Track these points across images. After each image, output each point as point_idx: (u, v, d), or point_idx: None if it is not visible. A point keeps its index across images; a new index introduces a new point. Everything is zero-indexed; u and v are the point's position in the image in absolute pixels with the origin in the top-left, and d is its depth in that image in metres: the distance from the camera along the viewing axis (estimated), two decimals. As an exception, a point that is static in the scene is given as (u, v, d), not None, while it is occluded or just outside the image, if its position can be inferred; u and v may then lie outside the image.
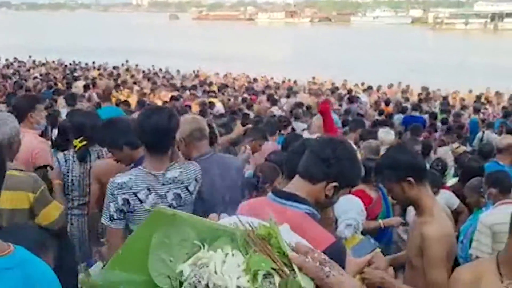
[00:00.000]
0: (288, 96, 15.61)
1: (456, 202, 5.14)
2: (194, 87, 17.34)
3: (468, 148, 9.26)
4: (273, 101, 13.68)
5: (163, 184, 3.05)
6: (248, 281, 0.90)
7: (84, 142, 4.03)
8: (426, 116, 11.98)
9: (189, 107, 11.57)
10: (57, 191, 3.82)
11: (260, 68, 25.89)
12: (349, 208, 3.34)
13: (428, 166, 5.84)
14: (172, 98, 12.53)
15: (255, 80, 22.24)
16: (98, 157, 4.10)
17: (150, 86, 17.12)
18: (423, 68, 28.98)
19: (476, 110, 13.08)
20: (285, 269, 0.92)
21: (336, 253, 2.00)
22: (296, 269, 0.93)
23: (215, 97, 14.69)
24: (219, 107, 12.65)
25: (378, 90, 18.60)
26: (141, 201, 3.00)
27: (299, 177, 2.24)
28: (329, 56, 35.91)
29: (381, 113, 12.56)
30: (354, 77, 21.74)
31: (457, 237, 4.47)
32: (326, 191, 2.17)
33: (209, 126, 4.07)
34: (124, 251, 1.04)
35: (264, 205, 2.22)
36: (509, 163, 5.57)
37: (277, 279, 0.91)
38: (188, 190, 3.15)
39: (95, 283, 1.02)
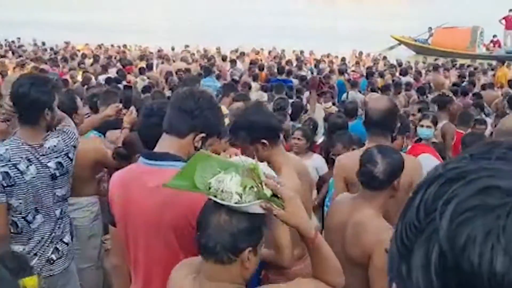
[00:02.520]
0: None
1: (326, 169, 5.16)
2: (64, 59, 16.63)
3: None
4: (142, 71, 13.50)
5: (43, 155, 3.05)
6: (242, 189, 1.76)
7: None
8: (296, 81, 12.47)
9: (66, 80, 11.10)
10: None
11: (135, 37, 25.22)
12: None
13: (300, 125, 6.21)
14: (41, 71, 11.92)
15: (128, 49, 21.70)
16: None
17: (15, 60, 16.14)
18: (295, 33, 29.82)
19: (341, 72, 13.83)
20: (259, 185, 1.77)
21: None
22: (264, 186, 1.77)
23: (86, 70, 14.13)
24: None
25: (257, 54, 18.94)
26: (21, 173, 2.98)
27: (166, 135, 2.23)
28: (205, 24, 35.74)
29: (256, 78, 12.89)
30: (227, 44, 21.86)
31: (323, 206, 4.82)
32: (195, 143, 2.20)
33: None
34: (183, 171, 1.89)
35: (139, 172, 2.23)
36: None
37: (255, 189, 1.76)
38: (69, 157, 3.17)
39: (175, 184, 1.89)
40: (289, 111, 6.60)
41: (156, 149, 2.24)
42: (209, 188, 1.79)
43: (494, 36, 24.81)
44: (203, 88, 2.99)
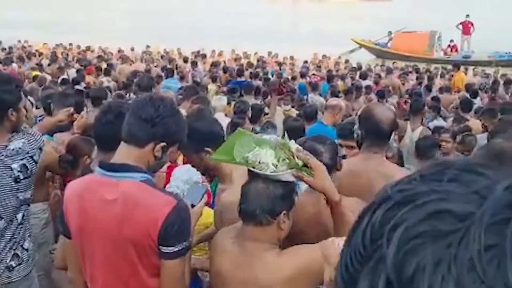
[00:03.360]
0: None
1: None
2: (21, 59, 16.22)
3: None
4: (106, 72, 13.29)
5: (7, 156, 2.94)
6: (277, 161, 2.03)
7: None
8: (260, 83, 12.44)
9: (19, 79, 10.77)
10: None
11: (95, 36, 24.82)
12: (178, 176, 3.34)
13: (259, 128, 6.17)
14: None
15: (88, 49, 21.34)
16: None
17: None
18: (256, 35, 29.89)
19: (303, 75, 13.89)
20: (291, 157, 2.04)
21: (181, 213, 2.06)
22: (296, 158, 2.04)
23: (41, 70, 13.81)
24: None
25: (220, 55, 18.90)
26: None
27: (124, 144, 2.13)
28: (166, 25, 35.44)
29: (215, 79, 12.78)
30: (189, 45, 21.74)
31: None
32: (155, 152, 2.10)
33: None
34: (223, 147, 2.18)
35: (96, 183, 2.13)
36: (332, 123, 6.06)
37: (287, 161, 2.03)
38: (34, 160, 3.07)
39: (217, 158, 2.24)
40: (249, 114, 6.55)
41: (114, 159, 2.14)
42: (247, 161, 2.07)
43: (451, 41, 25.38)
44: (163, 95, 2.87)
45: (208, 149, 2.53)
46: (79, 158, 3.46)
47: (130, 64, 15.44)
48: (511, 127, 2.52)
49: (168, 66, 14.65)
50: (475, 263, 0.49)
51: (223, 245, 2.22)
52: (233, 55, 20.53)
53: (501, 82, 14.20)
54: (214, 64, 15.72)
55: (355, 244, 0.56)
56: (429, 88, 12.38)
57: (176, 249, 2.06)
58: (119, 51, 19.95)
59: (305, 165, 2.05)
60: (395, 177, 2.28)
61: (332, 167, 2.54)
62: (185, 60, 17.38)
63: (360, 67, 17.54)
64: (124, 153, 2.12)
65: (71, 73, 12.93)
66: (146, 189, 2.07)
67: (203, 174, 2.76)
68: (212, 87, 11.45)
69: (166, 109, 2.11)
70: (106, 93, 7.09)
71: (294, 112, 8.53)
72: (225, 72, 14.29)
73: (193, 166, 2.68)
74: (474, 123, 7.41)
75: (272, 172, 2.03)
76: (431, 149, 5.12)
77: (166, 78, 10.40)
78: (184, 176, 3.00)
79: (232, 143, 2.12)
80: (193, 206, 2.28)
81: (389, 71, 15.31)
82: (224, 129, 3.08)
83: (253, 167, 2.05)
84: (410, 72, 16.95)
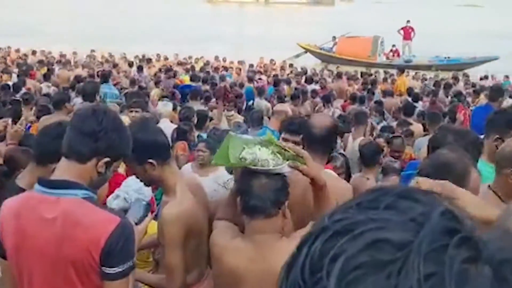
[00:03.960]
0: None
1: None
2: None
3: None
4: (46, 77, 12.91)
5: None
6: (273, 156, 2.19)
7: None
8: (208, 87, 12.35)
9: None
10: None
11: (37, 40, 24.09)
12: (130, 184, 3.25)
13: (205, 134, 6.12)
14: None
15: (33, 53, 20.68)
16: None
17: None
18: (201, 39, 29.80)
19: (250, 79, 13.93)
20: (282, 150, 2.22)
21: (125, 231, 1.98)
22: (285, 150, 2.24)
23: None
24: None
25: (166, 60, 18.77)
26: None
27: (65, 159, 2.03)
28: (110, 28, 34.84)
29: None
30: (133, 50, 21.42)
31: None
32: (98, 168, 2.01)
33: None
34: (219, 152, 2.31)
35: (34, 201, 2.03)
36: (278, 129, 6.06)
37: (280, 154, 2.21)
38: None
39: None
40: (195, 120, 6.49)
41: (54, 175, 2.05)
42: (245, 161, 2.20)
43: (393, 45, 26.02)
44: (106, 106, 2.74)
45: (152, 161, 2.44)
46: (15, 170, 3.30)
47: (69, 70, 15.04)
48: (451, 135, 2.59)
49: (104, 70, 14.28)
50: None
51: (233, 243, 2.31)
52: (176, 59, 20.33)
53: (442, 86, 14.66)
54: (166, 70, 15.39)
55: (294, 278, 0.54)
56: (372, 92, 12.65)
57: (119, 270, 1.97)
58: (61, 55, 19.42)
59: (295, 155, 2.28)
60: (330, 188, 2.38)
61: None
62: (130, 65, 17.13)
63: (305, 72, 17.73)
64: (64, 169, 2.02)
65: (13, 78, 12.50)
66: (88, 206, 1.98)
67: (147, 185, 2.71)
68: (156, 91, 11.32)
69: (110, 122, 2.01)
70: (69, 96, 6.95)
71: (238, 118, 8.54)
72: (174, 76, 14.20)
73: (137, 177, 2.59)
74: (416, 126, 7.61)
75: (274, 167, 2.21)
76: (375, 156, 5.21)
77: (102, 84, 10.08)
78: (135, 186, 2.93)
79: (226, 147, 2.26)
80: (136, 224, 2.23)
81: (339, 76, 15.57)
82: (170, 135, 3.02)
83: (254, 166, 2.20)
84: (355, 76, 17.28)
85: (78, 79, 12.10)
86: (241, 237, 2.31)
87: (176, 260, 2.42)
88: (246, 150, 2.20)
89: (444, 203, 0.56)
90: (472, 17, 54.09)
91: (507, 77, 19.19)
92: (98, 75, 12.97)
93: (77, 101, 7.79)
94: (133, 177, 3.02)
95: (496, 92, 7.88)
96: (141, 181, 2.61)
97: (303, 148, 3.02)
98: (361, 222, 0.54)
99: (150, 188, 2.78)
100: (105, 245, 1.93)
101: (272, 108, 8.79)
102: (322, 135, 2.95)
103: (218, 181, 4.30)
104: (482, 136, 3.33)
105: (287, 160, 2.22)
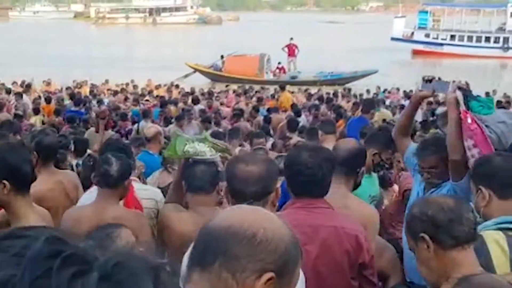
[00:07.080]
0: None
1: None
2: None
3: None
4: None
5: None
6: (209, 149, 2.98)
7: None
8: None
9: None
10: None
11: None
12: None
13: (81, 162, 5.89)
14: None
15: None
16: None
17: None
18: (87, 62, 29.01)
19: (136, 101, 13.70)
20: (215, 145, 3.06)
21: None
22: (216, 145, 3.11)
23: None
24: None
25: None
26: None
27: None
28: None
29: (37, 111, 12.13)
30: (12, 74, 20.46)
31: None
32: None
33: None
34: (170, 146, 3.11)
35: None
36: (158, 152, 5.93)
37: (214, 148, 3.01)
38: None
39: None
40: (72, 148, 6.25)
41: None
42: (189, 153, 2.93)
43: (279, 63, 26.70)
44: None
45: (5, 181, 2.31)
46: None
47: None
48: (305, 152, 2.68)
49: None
50: None
51: (181, 214, 2.92)
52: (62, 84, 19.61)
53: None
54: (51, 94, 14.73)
55: None
56: (256, 109, 12.80)
57: None
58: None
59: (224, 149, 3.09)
60: (355, 213, 2.72)
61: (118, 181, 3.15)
62: (8, 91, 16.23)
63: (193, 92, 17.73)
64: None
65: None
66: None
67: None
68: (36, 119, 10.83)
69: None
70: None
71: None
72: (49, 102, 13.62)
73: None
74: (295, 140, 7.81)
75: (210, 157, 2.93)
76: None
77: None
78: None
79: (174, 144, 3.00)
80: None
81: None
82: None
83: (196, 156, 2.91)
84: (241, 93, 17.54)
85: None
86: (186, 211, 2.93)
87: None
88: (188, 145, 2.93)
89: (52, 230, 0.57)
90: (337, 33, 56.92)
91: (379, 87, 20.47)
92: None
93: None
94: None
95: (368, 105, 8.36)
96: None
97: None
98: None
99: None
100: None
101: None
102: (345, 158, 3.00)
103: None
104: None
105: (218, 152, 2.98)
